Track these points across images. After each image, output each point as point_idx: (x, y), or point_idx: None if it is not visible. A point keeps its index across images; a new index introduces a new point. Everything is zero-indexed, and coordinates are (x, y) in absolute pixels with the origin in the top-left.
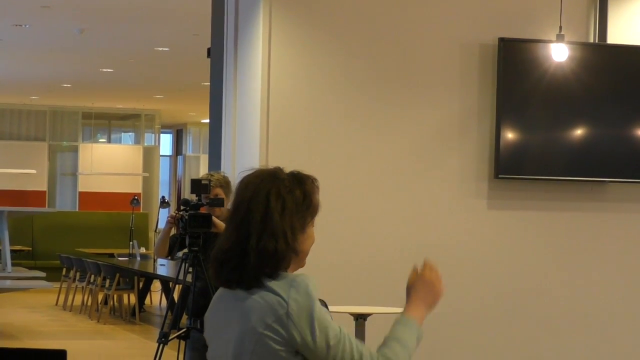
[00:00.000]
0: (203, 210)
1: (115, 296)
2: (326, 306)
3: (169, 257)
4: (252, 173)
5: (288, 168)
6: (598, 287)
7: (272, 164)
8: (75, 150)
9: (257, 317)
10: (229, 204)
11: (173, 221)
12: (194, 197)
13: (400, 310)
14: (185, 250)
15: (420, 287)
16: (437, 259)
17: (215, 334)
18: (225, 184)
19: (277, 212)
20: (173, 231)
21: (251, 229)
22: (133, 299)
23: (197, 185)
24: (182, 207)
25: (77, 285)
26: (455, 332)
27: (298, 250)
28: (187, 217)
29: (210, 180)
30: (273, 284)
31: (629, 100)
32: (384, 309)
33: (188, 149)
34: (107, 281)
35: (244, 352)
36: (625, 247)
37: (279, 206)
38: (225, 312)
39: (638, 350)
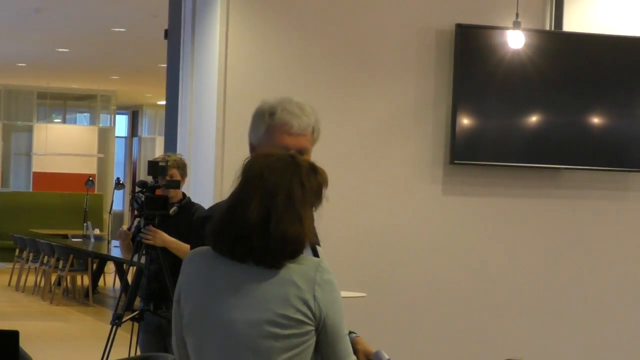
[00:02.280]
0: (159, 192)
1: (68, 277)
2: None
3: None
4: (270, 155)
5: (244, 151)
6: (551, 272)
7: (228, 147)
8: (29, 130)
9: (297, 283)
10: (182, 186)
11: (125, 236)
12: (150, 179)
13: (354, 294)
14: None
15: None
16: (392, 243)
17: (221, 300)
18: (181, 165)
19: (299, 198)
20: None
21: (272, 211)
22: (86, 280)
23: (154, 167)
24: (138, 189)
25: (30, 266)
26: (408, 316)
27: (310, 236)
28: (143, 199)
29: (167, 162)
30: (299, 262)
31: (584, 87)
32: None
33: (144, 130)
34: (61, 262)
35: (283, 315)
36: (579, 233)
37: (300, 192)
38: (233, 279)
39: (585, 334)
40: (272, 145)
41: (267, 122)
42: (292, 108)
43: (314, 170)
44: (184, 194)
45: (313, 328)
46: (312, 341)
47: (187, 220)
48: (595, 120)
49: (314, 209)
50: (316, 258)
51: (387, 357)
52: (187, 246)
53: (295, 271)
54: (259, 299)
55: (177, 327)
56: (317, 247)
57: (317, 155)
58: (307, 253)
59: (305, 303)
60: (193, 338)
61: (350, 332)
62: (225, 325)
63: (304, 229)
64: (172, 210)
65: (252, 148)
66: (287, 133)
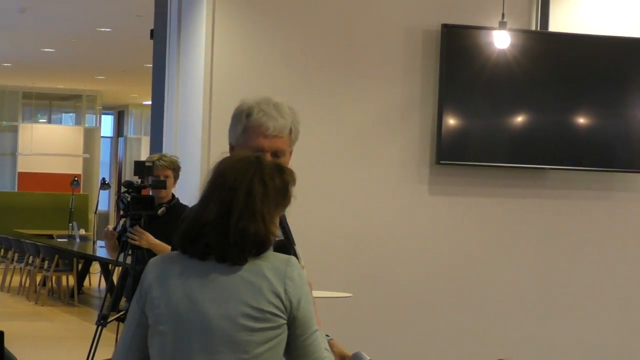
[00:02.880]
0: (145, 192)
1: (53, 278)
2: None
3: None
4: (236, 156)
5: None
6: (537, 271)
7: (214, 147)
8: (14, 130)
9: (268, 279)
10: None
11: (111, 236)
12: (136, 179)
13: (340, 294)
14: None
15: None
16: (378, 243)
17: (189, 300)
18: (176, 167)
19: (259, 196)
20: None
21: (233, 208)
22: (72, 280)
23: (141, 168)
24: (124, 189)
25: (15, 266)
26: (395, 317)
27: (274, 234)
28: (129, 199)
29: (153, 162)
30: (267, 259)
31: (570, 88)
32: (322, 293)
33: (129, 130)
34: (46, 262)
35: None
36: (564, 233)
37: (261, 190)
38: (204, 276)
39: (570, 333)
40: (249, 146)
41: (244, 123)
42: (268, 109)
43: (279, 169)
44: (173, 195)
45: (285, 321)
46: (285, 334)
47: (175, 221)
48: (581, 120)
49: (280, 208)
50: (286, 255)
51: (368, 358)
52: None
53: (265, 266)
54: (232, 293)
55: (134, 329)
56: (296, 247)
57: (303, 156)
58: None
59: (278, 296)
60: (162, 339)
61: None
62: (200, 321)
63: (266, 226)
64: (160, 211)
65: (231, 148)
66: (263, 135)
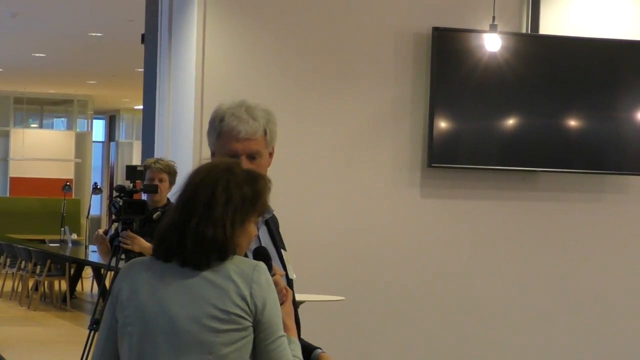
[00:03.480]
0: (137, 196)
1: (46, 282)
2: None
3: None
4: (210, 162)
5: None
6: (528, 273)
7: (206, 152)
8: (6, 135)
9: (234, 284)
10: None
11: (102, 240)
12: (128, 184)
13: (332, 297)
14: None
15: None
16: (370, 246)
17: (157, 301)
18: (172, 171)
19: (221, 203)
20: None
21: (193, 213)
22: (64, 285)
23: (132, 172)
24: (115, 194)
25: (7, 271)
26: (387, 319)
27: (237, 243)
28: (121, 204)
29: (149, 166)
30: (234, 263)
31: (561, 90)
32: (314, 297)
33: (121, 135)
34: (38, 267)
35: (220, 314)
36: (556, 235)
37: (224, 197)
38: (172, 279)
39: (562, 337)
40: (224, 151)
41: (218, 129)
42: (240, 113)
43: (250, 178)
44: (168, 200)
45: (251, 324)
46: (251, 337)
47: None
48: (572, 122)
49: (250, 216)
50: (254, 260)
51: None
52: None
53: (233, 269)
54: (198, 295)
55: (106, 332)
56: (283, 251)
57: (295, 159)
58: (272, 255)
59: (243, 299)
60: (130, 341)
61: (315, 348)
62: (166, 322)
63: (226, 232)
64: (155, 215)
65: (212, 154)
66: (235, 139)
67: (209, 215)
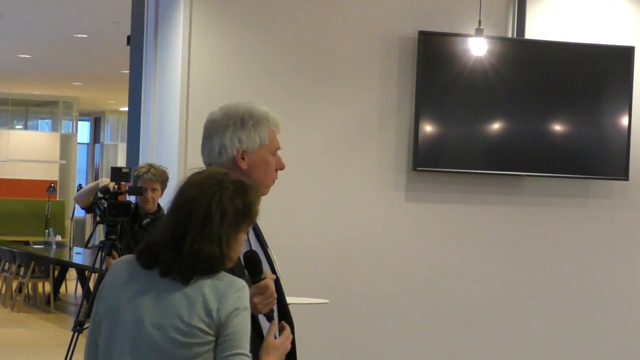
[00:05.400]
0: (122, 198)
1: (30, 284)
2: None
3: (87, 210)
4: (199, 174)
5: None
6: (513, 278)
7: (190, 154)
8: None
9: (203, 301)
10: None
11: (102, 186)
12: (113, 185)
13: (317, 300)
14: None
15: (273, 353)
16: (355, 249)
17: (135, 303)
18: (165, 179)
19: (217, 219)
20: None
21: (188, 230)
22: (48, 287)
23: (117, 173)
24: (100, 195)
25: None
26: (371, 323)
27: (231, 257)
28: (105, 206)
29: (130, 168)
30: (212, 278)
31: (546, 95)
32: (299, 300)
33: (106, 137)
34: (22, 269)
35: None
36: (540, 239)
37: (219, 213)
38: (148, 284)
39: (546, 341)
40: (273, 149)
41: (268, 126)
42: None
43: (241, 190)
44: (159, 206)
45: (213, 339)
46: (212, 354)
47: None
48: (557, 127)
49: (242, 227)
50: (233, 277)
51: None
52: None
53: (208, 284)
54: (167, 305)
55: (92, 327)
56: (269, 250)
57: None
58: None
59: (209, 314)
60: (104, 335)
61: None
62: (134, 326)
63: (222, 249)
64: (145, 222)
65: (242, 155)
66: (276, 135)
67: (205, 232)
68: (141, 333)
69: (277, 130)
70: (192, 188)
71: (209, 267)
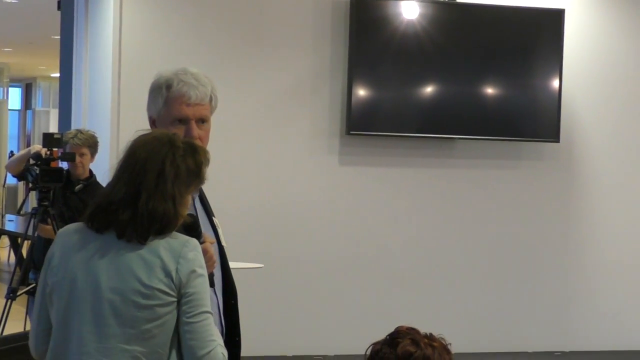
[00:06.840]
0: (54, 164)
1: None
2: None
3: (18, 178)
4: (149, 134)
5: (139, 124)
6: (446, 240)
7: (123, 119)
8: None
9: (160, 262)
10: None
11: (34, 152)
12: (45, 151)
13: (251, 265)
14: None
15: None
16: (289, 214)
17: (84, 269)
18: (93, 144)
19: (171, 177)
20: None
21: (142, 188)
22: None
23: (49, 140)
24: (32, 162)
25: None
26: (305, 287)
27: (182, 215)
28: (37, 172)
29: (69, 140)
30: (166, 239)
31: (478, 58)
32: (233, 264)
33: (38, 103)
34: None
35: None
36: (472, 201)
37: (173, 172)
38: (102, 249)
39: (479, 301)
40: (172, 117)
41: (165, 95)
42: (188, 79)
43: (192, 150)
44: (91, 172)
45: (175, 299)
46: (175, 313)
47: (90, 199)
48: (489, 90)
49: (191, 187)
50: (186, 236)
51: None
52: None
53: (162, 245)
54: (125, 268)
55: (40, 298)
56: (214, 218)
57: (213, 128)
58: (204, 224)
59: (168, 274)
60: (58, 305)
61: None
62: (92, 292)
63: (175, 207)
64: (77, 187)
65: (152, 122)
66: (186, 104)
67: (160, 190)
68: (100, 299)
69: (185, 99)
70: (144, 147)
71: (164, 225)
